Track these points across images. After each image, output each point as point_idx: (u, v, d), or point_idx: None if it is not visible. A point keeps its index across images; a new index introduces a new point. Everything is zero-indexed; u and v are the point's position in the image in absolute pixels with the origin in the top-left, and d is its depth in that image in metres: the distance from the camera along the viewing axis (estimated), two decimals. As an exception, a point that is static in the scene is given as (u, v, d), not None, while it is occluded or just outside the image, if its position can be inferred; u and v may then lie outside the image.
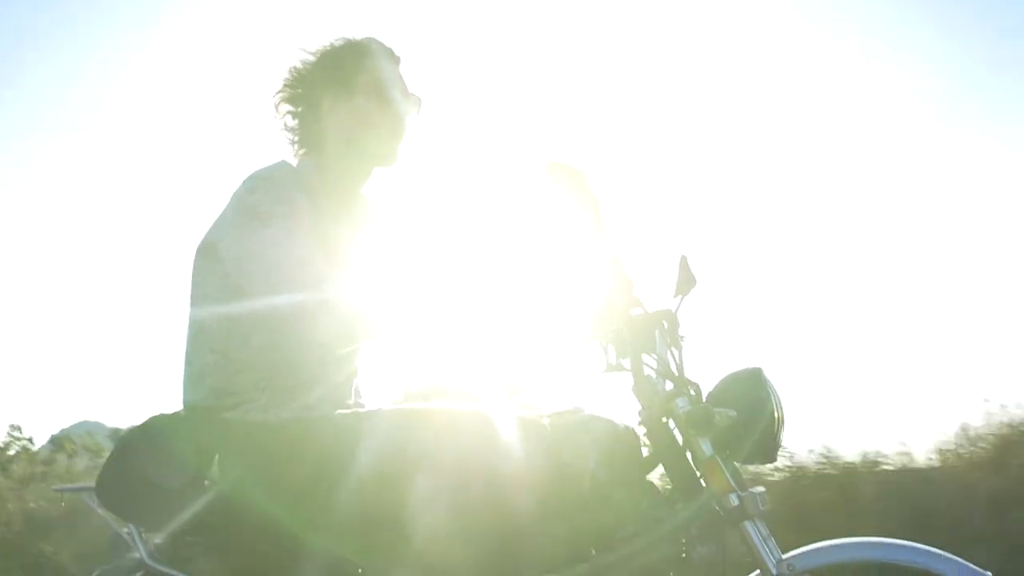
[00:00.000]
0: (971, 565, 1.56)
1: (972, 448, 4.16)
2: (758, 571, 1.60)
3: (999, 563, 1.91)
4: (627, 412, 1.79)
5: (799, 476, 4.10)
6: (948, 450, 4.20)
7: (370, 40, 1.96)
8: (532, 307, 1.58)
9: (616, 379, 1.80)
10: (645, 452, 1.74)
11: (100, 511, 2.03)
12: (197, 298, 1.86)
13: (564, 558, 1.70)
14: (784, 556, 1.60)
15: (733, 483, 1.59)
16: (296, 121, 1.95)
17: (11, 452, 6.07)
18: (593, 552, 1.70)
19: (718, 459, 1.59)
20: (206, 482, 1.84)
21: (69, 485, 2.10)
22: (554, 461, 1.59)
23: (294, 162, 1.94)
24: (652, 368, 1.71)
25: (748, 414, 1.61)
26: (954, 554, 1.59)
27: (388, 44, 1.98)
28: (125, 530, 1.93)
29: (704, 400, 1.67)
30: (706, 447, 1.60)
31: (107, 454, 1.90)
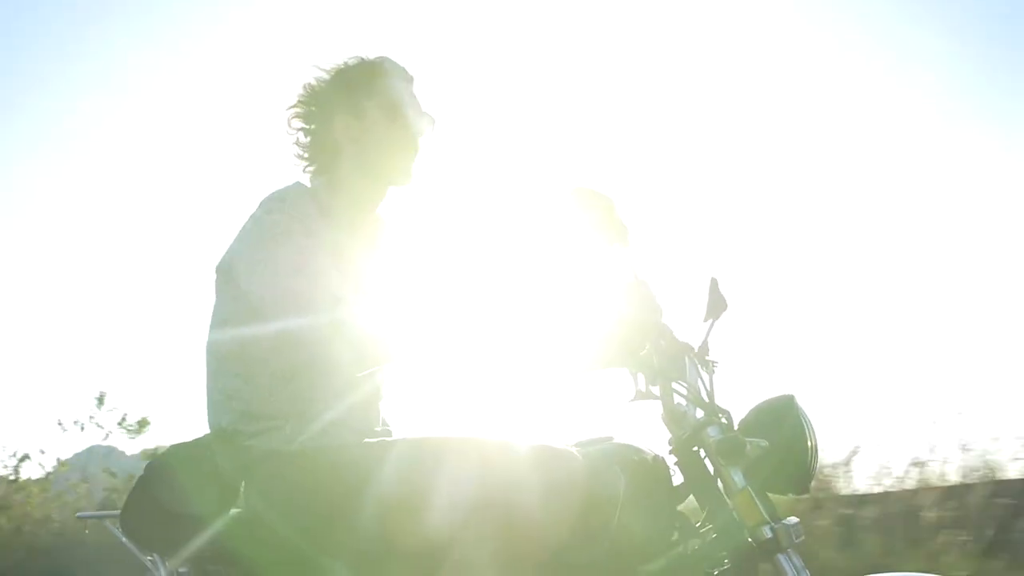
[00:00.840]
0: None
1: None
2: None
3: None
4: (657, 441, 1.76)
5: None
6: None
7: (383, 59, 1.95)
8: (559, 333, 1.55)
9: (645, 407, 1.77)
10: (675, 482, 1.70)
11: (123, 539, 2.02)
12: (217, 321, 1.86)
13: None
14: (820, 590, 1.55)
15: (766, 515, 1.54)
16: (308, 139, 1.95)
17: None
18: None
19: (750, 490, 1.55)
20: (232, 510, 1.83)
21: (92, 512, 2.08)
22: (584, 491, 1.56)
23: (307, 181, 1.94)
24: (682, 396, 1.68)
25: (781, 443, 1.57)
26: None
27: (402, 63, 1.97)
28: (148, 558, 1.92)
29: (736, 428, 1.63)
30: (738, 478, 1.56)
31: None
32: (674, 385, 1.62)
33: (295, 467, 1.73)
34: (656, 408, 1.76)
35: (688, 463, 1.64)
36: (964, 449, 4.11)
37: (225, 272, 1.85)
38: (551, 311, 1.59)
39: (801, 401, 1.63)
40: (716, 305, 1.73)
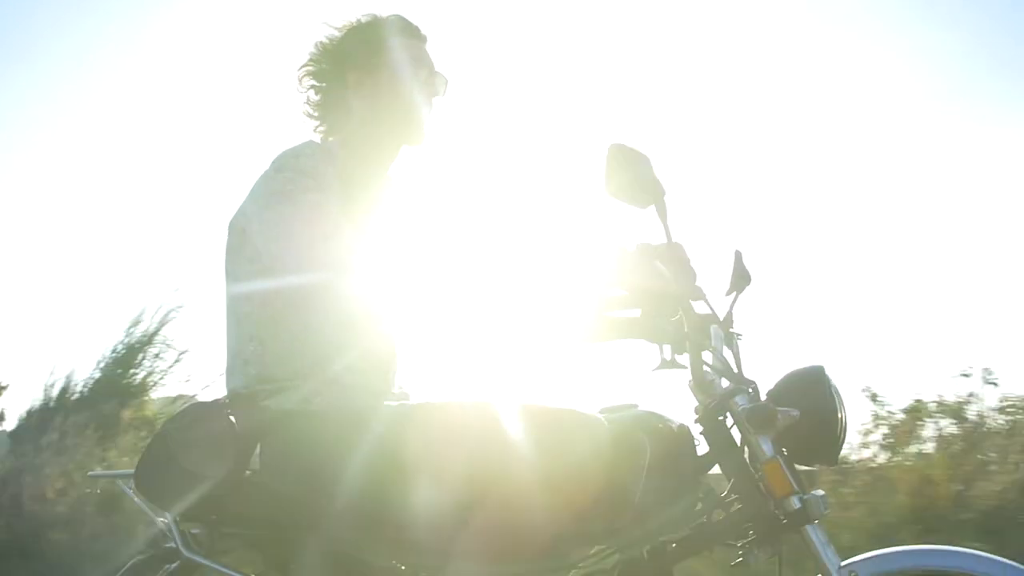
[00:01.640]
0: None
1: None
2: None
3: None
4: (679, 411, 1.74)
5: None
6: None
7: (397, 17, 1.94)
8: (588, 292, 1.52)
9: (670, 376, 1.75)
10: (700, 452, 1.68)
11: (136, 499, 2.00)
12: (231, 279, 1.85)
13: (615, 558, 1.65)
14: (844, 562, 1.53)
15: (795, 485, 1.52)
16: (319, 97, 1.95)
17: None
18: (644, 555, 1.65)
19: (779, 460, 1.53)
20: (247, 472, 1.80)
21: (104, 471, 2.06)
22: (609, 458, 1.53)
23: (318, 140, 1.93)
24: (708, 364, 1.66)
25: (811, 414, 1.54)
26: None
27: (415, 22, 1.95)
28: (161, 520, 1.90)
29: (763, 398, 1.60)
30: (767, 447, 1.54)
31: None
32: (703, 353, 1.59)
33: (313, 428, 1.70)
34: (681, 377, 1.74)
35: (714, 432, 1.62)
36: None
37: (238, 231, 1.83)
38: (577, 273, 1.55)
39: (831, 372, 1.61)
40: (740, 278, 1.70)
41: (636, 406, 1.70)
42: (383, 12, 1.96)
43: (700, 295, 1.56)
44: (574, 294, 1.52)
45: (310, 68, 1.95)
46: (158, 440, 1.78)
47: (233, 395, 1.79)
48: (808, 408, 1.54)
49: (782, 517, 1.54)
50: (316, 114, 1.97)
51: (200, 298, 6.43)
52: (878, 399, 4.12)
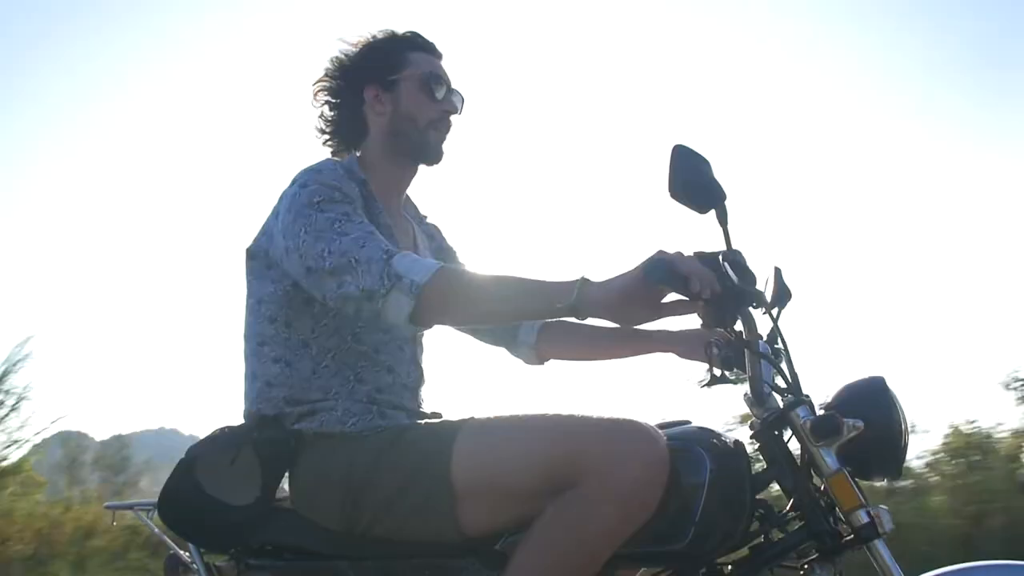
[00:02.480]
0: None
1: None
2: None
3: None
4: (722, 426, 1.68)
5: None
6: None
7: (414, 34, 1.91)
8: (649, 299, 1.46)
9: (718, 392, 1.70)
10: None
11: (156, 530, 1.90)
12: (252, 306, 1.78)
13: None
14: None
15: (863, 498, 1.47)
16: (334, 113, 1.91)
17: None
18: (701, 576, 1.58)
19: (845, 473, 1.48)
20: (278, 499, 1.72)
21: (120, 502, 1.96)
22: (669, 474, 1.47)
23: (334, 158, 1.89)
24: (753, 377, 1.61)
25: (874, 425, 1.49)
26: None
27: (431, 39, 1.92)
28: (185, 553, 1.80)
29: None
30: (831, 460, 1.48)
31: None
32: (763, 364, 1.54)
33: (352, 450, 1.63)
34: (728, 393, 1.70)
35: (772, 447, 1.57)
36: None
37: (259, 254, 1.77)
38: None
39: (891, 383, 1.57)
40: (781, 294, 1.67)
41: (689, 422, 1.64)
42: (400, 29, 1.93)
43: (764, 302, 1.52)
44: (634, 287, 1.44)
45: (325, 84, 1.91)
46: (183, 467, 1.69)
47: (259, 418, 1.71)
48: (872, 420, 1.49)
49: (848, 533, 1.49)
50: (329, 130, 1.93)
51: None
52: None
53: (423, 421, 1.72)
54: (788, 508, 1.55)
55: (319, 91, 1.92)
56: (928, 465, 4.70)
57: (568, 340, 2.03)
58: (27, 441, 6.74)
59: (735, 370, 1.67)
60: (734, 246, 1.50)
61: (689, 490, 1.49)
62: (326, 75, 1.91)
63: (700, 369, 1.84)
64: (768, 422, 1.56)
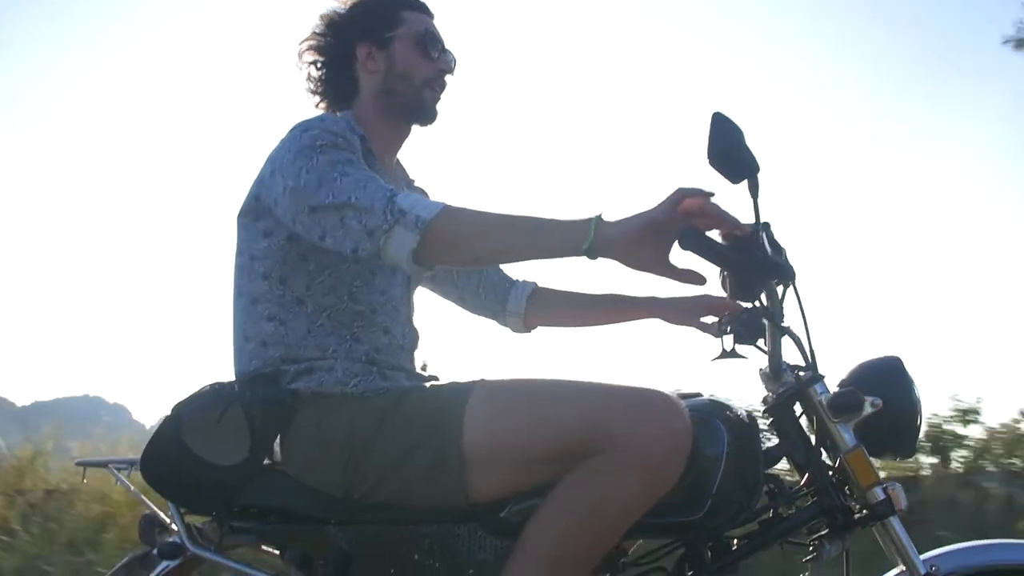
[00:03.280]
0: None
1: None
2: (899, 570, 1.49)
3: None
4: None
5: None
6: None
7: None
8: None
9: (728, 367, 1.69)
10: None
11: (132, 488, 1.80)
12: (243, 264, 1.69)
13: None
14: (924, 556, 1.49)
15: (878, 475, 1.47)
16: (322, 72, 1.83)
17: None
18: (707, 552, 1.57)
19: (863, 449, 1.47)
20: (266, 461, 1.64)
21: (94, 459, 1.85)
22: (691, 445, 1.44)
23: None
24: (765, 352, 1.60)
25: (892, 404, 1.49)
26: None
27: None
28: (163, 514, 1.71)
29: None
30: (848, 436, 1.48)
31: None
32: (783, 338, 1.52)
33: (353, 410, 1.56)
34: (738, 368, 1.69)
35: (785, 422, 1.56)
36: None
37: (249, 209, 1.69)
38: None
39: (907, 364, 1.57)
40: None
41: (701, 394, 1.61)
42: None
43: (792, 275, 1.50)
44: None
45: (314, 42, 1.83)
46: (168, 423, 1.60)
47: (253, 376, 1.63)
48: (889, 398, 1.49)
49: (862, 509, 1.49)
50: (319, 89, 1.85)
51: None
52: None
53: (428, 384, 1.67)
54: (802, 483, 1.54)
55: (307, 50, 1.83)
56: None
57: (556, 307, 2.01)
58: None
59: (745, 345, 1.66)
60: (763, 218, 1.47)
61: (707, 462, 1.47)
62: (315, 33, 1.83)
63: (690, 337, 1.84)
64: (784, 397, 1.55)
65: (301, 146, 1.59)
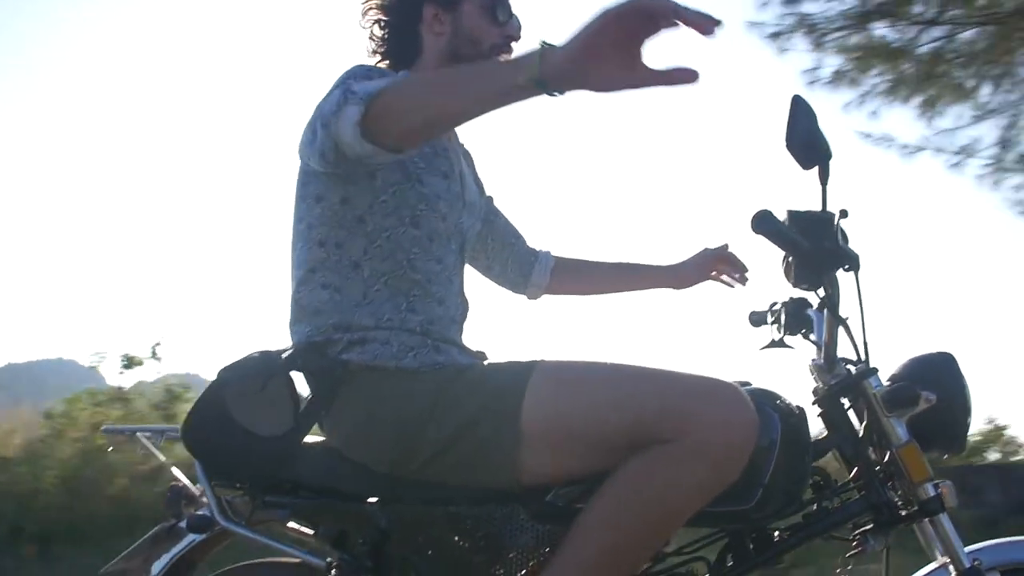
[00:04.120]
0: None
1: None
2: (936, 564, 1.49)
3: None
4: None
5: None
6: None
7: None
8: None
9: (776, 356, 1.68)
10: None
11: (162, 458, 1.76)
12: (301, 232, 1.65)
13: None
14: (967, 549, 1.49)
15: (931, 471, 1.47)
16: (385, 31, 1.78)
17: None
18: (749, 543, 1.55)
19: (915, 444, 1.47)
20: (312, 434, 1.60)
21: (121, 426, 1.80)
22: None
23: None
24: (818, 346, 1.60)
25: (944, 399, 1.49)
26: None
27: None
28: (196, 485, 1.67)
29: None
30: (901, 430, 1.47)
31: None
32: (840, 330, 1.52)
33: (408, 386, 1.52)
34: (785, 358, 1.68)
35: (834, 415, 1.55)
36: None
37: (300, 176, 1.65)
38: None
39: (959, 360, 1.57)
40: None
41: (750, 383, 1.60)
42: None
43: (858, 266, 1.49)
44: None
45: (379, 1, 1.78)
46: (212, 389, 1.55)
47: (302, 345, 1.59)
48: (942, 394, 1.49)
49: (912, 505, 1.48)
50: (382, 50, 1.80)
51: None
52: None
53: (486, 362, 1.63)
54: (851, 477, 1.53)
55: (371, 8, 1.79)
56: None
57: (574, 278, 2.09)
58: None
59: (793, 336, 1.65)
60: (830, 208, 1.46)
61: (761, 451, 1.45)
62: None
63: (734, 325, 1.84)
64: (835, 389, 1.54)
65: (343, 77, 1.52)
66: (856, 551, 1.54)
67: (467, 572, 1.52)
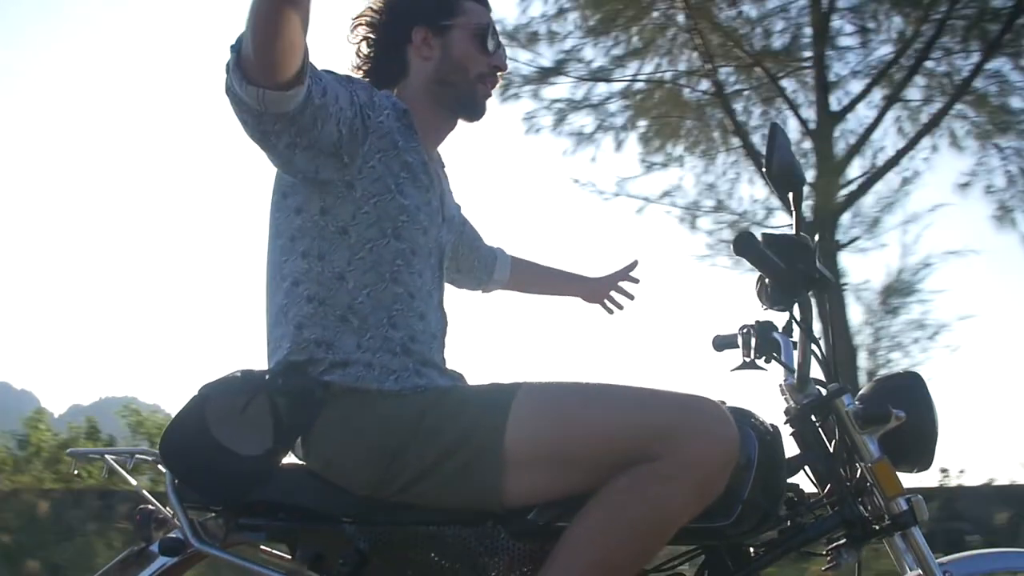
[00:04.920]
0: None
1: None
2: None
3: None
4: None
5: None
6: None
7: None
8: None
9: (748, 377, 1.71)
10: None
11: (133, 481, 1.72)
12: (283, 246, 1.63)
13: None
14: (938, 561, 1.53)
15: (903, 486, 1.51)
16: (372, 50, 1.77)
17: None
18: (727, 560, 1.58)
19: (887, 460, 1.51)
20: (290, 455, 1.59)
21: (88, 449, 1.75)
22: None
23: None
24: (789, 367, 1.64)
25: (914, 417, 1.54)
26: None
27: None
28: (155, 507, 1.63)
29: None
30: (873, 447, 1.52)
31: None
32: (812, 348, 1.56)
33: (389, 408, 1.52)
34: (758, 378, 1.72)
35: (807, 433, 1.59)
36: None
37: (278, 188, 1.64)
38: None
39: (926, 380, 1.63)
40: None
41: (724, 402, 1.63)
42: None
43: (830, 288, 1.54)
44: None
45: (369, 18, 1.77)
46: (193, 406, 1.52)
47: (284, 364, 1.57)
48: (912, 413, 1.54)
49: (884, 520, 1.52)
50: (366, 67, 1.79)
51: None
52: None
53: (467, 384, 1.64)
54: (824, 493, 1.57)
55: (360, 26, 1.78)
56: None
57: (522, 276, 2.22)
58: None
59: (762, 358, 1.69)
60: (803, 230, 1.51)
61: (740, 469, 1.48)
62: (371, 9, 1.77)
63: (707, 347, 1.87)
64: (808, 408, 1.58)
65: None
66: (831, 566, 1.57)
67: (447, 592, 1.52)
